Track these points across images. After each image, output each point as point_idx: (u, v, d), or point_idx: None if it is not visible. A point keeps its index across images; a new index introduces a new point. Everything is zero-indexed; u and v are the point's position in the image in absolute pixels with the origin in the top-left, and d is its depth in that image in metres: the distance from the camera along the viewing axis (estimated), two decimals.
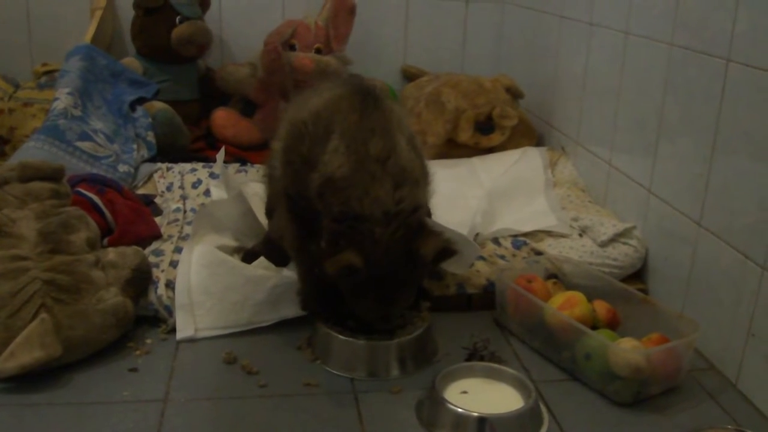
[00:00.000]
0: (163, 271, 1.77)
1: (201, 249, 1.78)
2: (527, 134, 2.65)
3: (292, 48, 2.77)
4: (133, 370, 1.57)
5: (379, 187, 1.45)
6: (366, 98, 1.57)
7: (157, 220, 2.05)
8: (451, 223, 1.78)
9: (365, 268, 1.42)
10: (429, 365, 1.63)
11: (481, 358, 1.63)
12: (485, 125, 2.56)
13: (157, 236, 1.96)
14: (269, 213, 1.91)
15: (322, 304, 1.66)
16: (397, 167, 1.48)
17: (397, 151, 1.50)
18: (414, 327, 1.65)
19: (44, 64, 2.86)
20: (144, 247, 1.86)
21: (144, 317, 1.73)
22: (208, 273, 1.74)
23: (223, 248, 1.82)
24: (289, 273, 1.75)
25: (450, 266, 1.82)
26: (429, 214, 1.66)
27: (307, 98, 1.67)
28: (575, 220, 2.10)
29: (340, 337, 1.60)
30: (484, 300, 1.87)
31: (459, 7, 3.16)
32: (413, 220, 1.47)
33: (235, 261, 1.79)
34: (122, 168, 2.33)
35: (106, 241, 1.86)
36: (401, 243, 1.45)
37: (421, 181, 1.55)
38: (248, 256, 1.84)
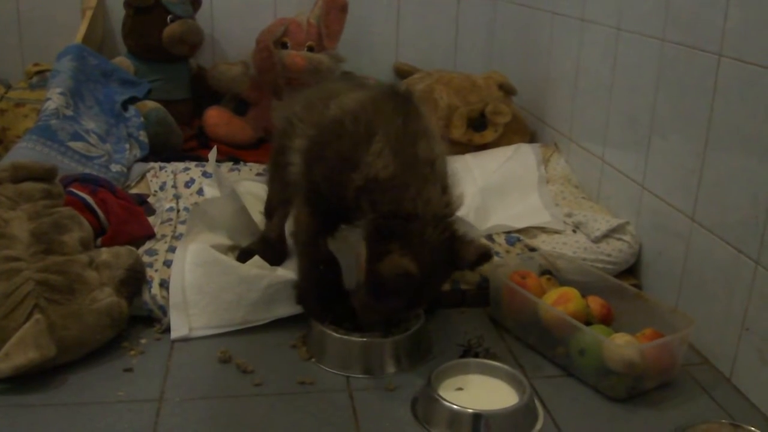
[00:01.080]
0: (156, 270, 1.77)
1: (195, 248, 1.78)
2: (520, 131, 2.66)
3: (284, 46, 2.77)
4: (128, 370, 1.57)
5: (432, 189, 1.47)
6: (406, 102, 1.59)
7: (150, 219, 2.04)
8: None
9: (419, 275, 1.41)
10: (424, 362, 1.63)
11: (476, 355, 1.63)
12: (478, 122, 2.56)
13: (151, 236, 1.95)
14: (269, 213, 1.91)
15: (318, 300, 1.66)
16: (442, 171, 1.52)
17: (441, 155, 1.53)
18: (408, 324, 1.65)
19: (35, 65, 2.85)
20: (137, 247, 1.86)
21: (138, 317, 1.73)
22: (202, 272, 1.74)
23: (217, 247, 1.82)
24: (284, 272, 1.75)
25: None
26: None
27: (326, 98, 1.67)
28: (569, 216, 2.10)
29: (335, 335, 1.60)
30: (479, 296, 1.87)
31: (451, 4, 3.16)
32: (455, 224, 1.50)
33: (230, 260, 1.79)
34: (115, 168, 2.33)
35: (99, 241, 1.86)
36: (446, 246, 1.46)
37: (455, 183, 1.57)
38: (243, 255, 1.84)
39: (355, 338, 1.60)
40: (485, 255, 1.50)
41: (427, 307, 1.75)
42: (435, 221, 1.46)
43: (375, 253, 1.44)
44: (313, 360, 1.63)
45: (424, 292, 1.50)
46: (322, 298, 1.66)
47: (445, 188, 1.51)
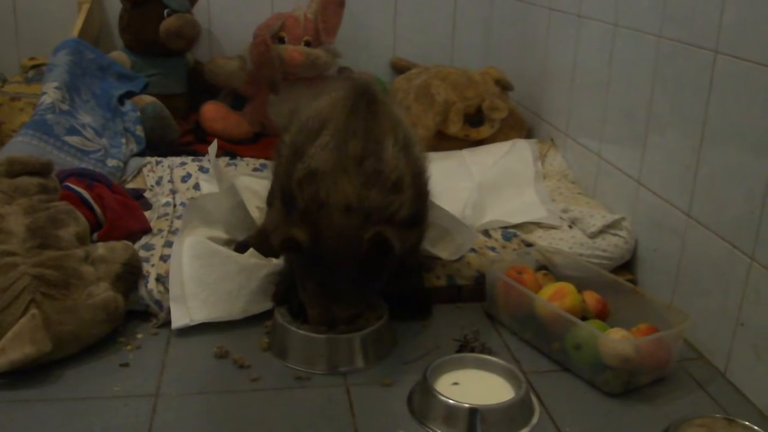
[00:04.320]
0: (153, 265, 1.77)
1: (191, 241, 1.77)
2: (517, 126, 2.66)
3: (281, 41, 2.76)
4: (125, 365, 1.57)
5: (347, 182, 1.49)
6: (359, 99, 1.62)
7: (147, 214, 2.04)
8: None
9: (310, 247, 1.45)
10: (389, 356, 1.64)
11: (472, 350, 1.63)
12: (475, 118, 2.56)
13: (147, 231, 1.95)
14: (269, 203, 1.92)
15: (295, 301, 1.65)
16: (372, 169, 1.51)
17: (378, 154, 1.53)
18: (370, 321, 1.65)
19: (32, 59, 2.84)
20: (134, 242, 1.86)
21: (134, 312, 1.73)
22: (200, 264, 1.74)
23: (213, 240, 1.82)
24: (281, 261, 1.76)
25: (445, 253, 1.83)
26: (416, 219, 1.65)
27: (317, 97, 1.73)
28: (565, 211, 2.10)
29: (300, 332, 1.60)
30: (475, 292, 1.87)
31: None
32: (378, 219, 1.48)
33: (227, 250, 1.79)
34: (111, 162, 2.33)
35: (95, 235, 1.86)
36: (357, 236, 1.46)
37: (404, 187, 1.55)
38: (240, 248, 1.84)
39: (319, 335, 1.59)
40: (378, 235, 1.45)
41: (418, 310, 1.77)
42: (347, 211, 1.47)
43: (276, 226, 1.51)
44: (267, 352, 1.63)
45: (340, 284, 1.50)
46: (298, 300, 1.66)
47: (368, 185, 1.50)
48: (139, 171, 2.39)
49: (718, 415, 1.44)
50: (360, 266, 1.49)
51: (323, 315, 1.56)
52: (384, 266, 1.53)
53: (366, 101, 1.62)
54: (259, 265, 1.74)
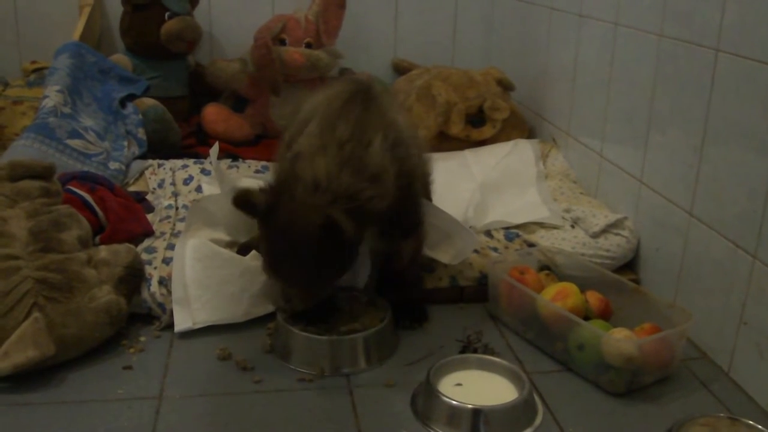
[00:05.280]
0: (155, 268, 1.77)
1: (194, 243, 1.77)
2: (518, 126, 2.66)
3: (282, 43, 2.77)
4: (128, 367, 1.57)
5: (322, 159, 1.49)
6: (357, 93, 1.61)
7: (149, 217, 2.04)
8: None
9: (267, 214, 1.47)
10: (392, 357, 1.65)
11: (475, 351, 1.63)
12: (476, 118, 2.56)
13: (149, 233, 1.95)
14: None
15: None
16: (353, 155, 1.51)
17: (363, 144, 1.53)
18: (373, 322, 1.66)
19: (33, 62, 2.84)
20: (136, 245, 1.86)
21: (137, 315, 1.73)
22: (203, 266, 1.74)
23: (216, 242, 1.82)
24: None
25: (446, 257, 1.83)
26: (409, 226, 1.67)
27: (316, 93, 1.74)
28: (567, 211, 2.10)
29: (302, 333, 1.60)
30: (477, 292, 1.87)
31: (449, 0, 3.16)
32: (344, 203, 1.47)
33: (230, 253, 1.79)
34: (113, 165, 2.33)
35: (98, 238, 1.86)
36: (314, 214, 1.44)
37: (384, 182, 1.53)
38: (242, 250, 1.84)
39: (323, 336, 1.60)
40: (328, 218, 1.42)
41: (413, 318, 1.77)
42: (313, 187, 1.46)
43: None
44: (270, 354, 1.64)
45: (290, 258, 1.49)
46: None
47: (343, 168, 1.48)
48: (141, 174, 2.39)
49: (721, 415, 1.44)
50: (310, 248, 1.46)
51: (275, 279, 1.56)
52: (338, 256, 1.51)
53: (363, 96, 1.61)
54: (261, 268, 1.74)
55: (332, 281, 1.59)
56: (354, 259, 1.57)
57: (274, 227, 1.49)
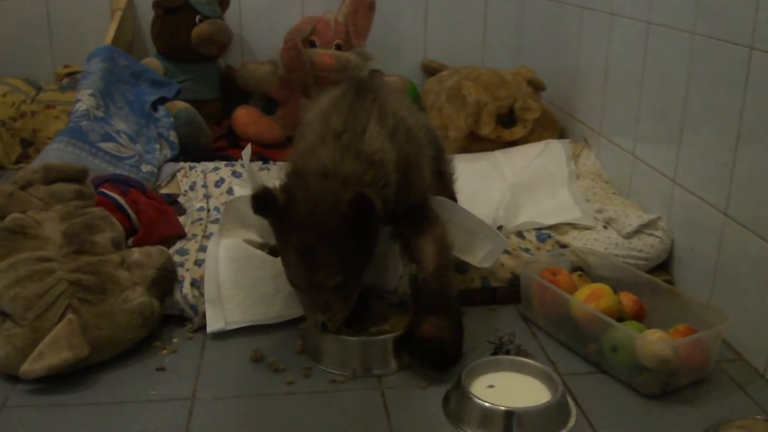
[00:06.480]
0: (188, 270, 1.78)
1: (228, 242, 1.78)
2: (549, 127, 2.64)
3: (312, 45, 2.77)
4: (161, 369, 1.58)
5: (323, 150, 1.53)
6: (349, 88, 1.68)
7: (181, 219, 2.06)
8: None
9: (287, 211, 1.47)
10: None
11: (507, 352, 1.62)
12: (507, 118, 2.55)
13: (182, 235, 1.96)
14: None
15: None
16: (352, 143, 1.53)
17: (359, 132, 1.55)
18: (403, 323, 1.65)
19: (66, 66, 2.88)
20: (168, 247, 1.87)
21: (170, 316, 1.74)
22: (237, 266, 1.74)
23: (248, 243, 1.82)
24: None
25: (476, 259, 1.82)
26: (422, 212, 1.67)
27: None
28: (599, 212, 2.09)
29: (333, 335, 1.60)
30: (509, 294, 1.86)
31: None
32: (355, 184, 1.48)
33: (263, 254, 1.79)
34: (145, 168, 2.35)
35: (130, 241, 1.87)
36: (334, 198, 1.46)
37: (386, 167, 1.54)
38: (274, 252, 1.84)
39: (353, 338, 1.60)
40: (361, 197, 1.43)
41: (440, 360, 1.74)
42: (323, 176, 1.49)
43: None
44: (304, 355, 1.64)
45: (318, 251, 1.48)
46: None
47: (345, 154, 1.51)
48: (173, 176, 2.41)
49: (758, 417, 1.43)
50: (339, 229, 1.47)
51: (305, 280, 1.52)
52: (366, 233, 1.52)
53: (355, 88, 1.67)
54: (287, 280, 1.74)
55: (364, 266, 1.58)
56: (376, 245, 1.58)
57: (296, 221, 1.48)
